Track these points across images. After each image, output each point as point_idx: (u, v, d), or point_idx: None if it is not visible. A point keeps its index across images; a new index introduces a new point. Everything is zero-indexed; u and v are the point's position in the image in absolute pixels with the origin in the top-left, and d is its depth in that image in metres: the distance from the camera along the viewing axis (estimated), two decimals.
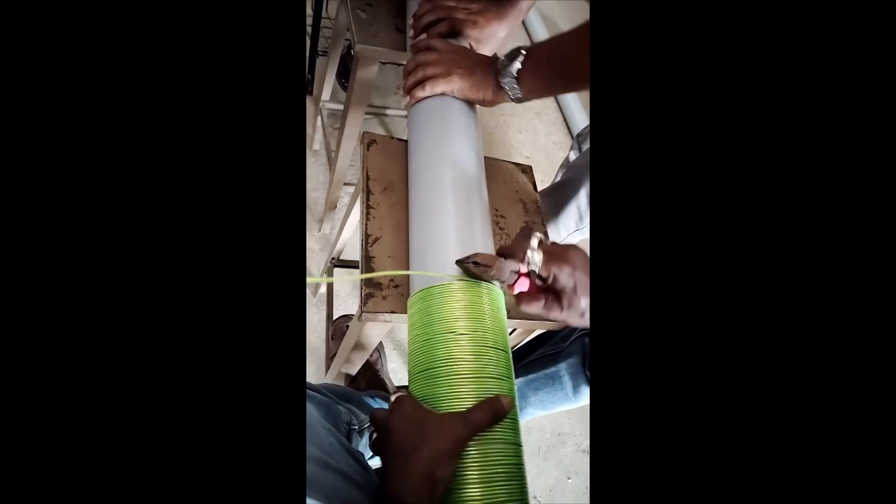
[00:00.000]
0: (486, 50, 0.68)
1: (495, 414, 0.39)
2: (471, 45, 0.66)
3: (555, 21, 2.24)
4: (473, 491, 0.37)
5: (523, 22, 2.10)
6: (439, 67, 0.58)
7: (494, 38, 0.68)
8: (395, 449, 0.36)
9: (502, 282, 0.45)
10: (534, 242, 0.43)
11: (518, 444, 0.41)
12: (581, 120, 1.78)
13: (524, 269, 0.43)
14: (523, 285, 0.44)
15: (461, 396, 0.41)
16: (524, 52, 0.54)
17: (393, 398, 0.41)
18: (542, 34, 2.02)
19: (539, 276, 0.43)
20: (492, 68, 0.57)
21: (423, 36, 0.67)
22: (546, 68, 0.54)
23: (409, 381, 0.46)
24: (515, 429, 0.41)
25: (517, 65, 0.54)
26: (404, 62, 0.76)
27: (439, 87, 0.58)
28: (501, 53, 0.59)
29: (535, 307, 0.44)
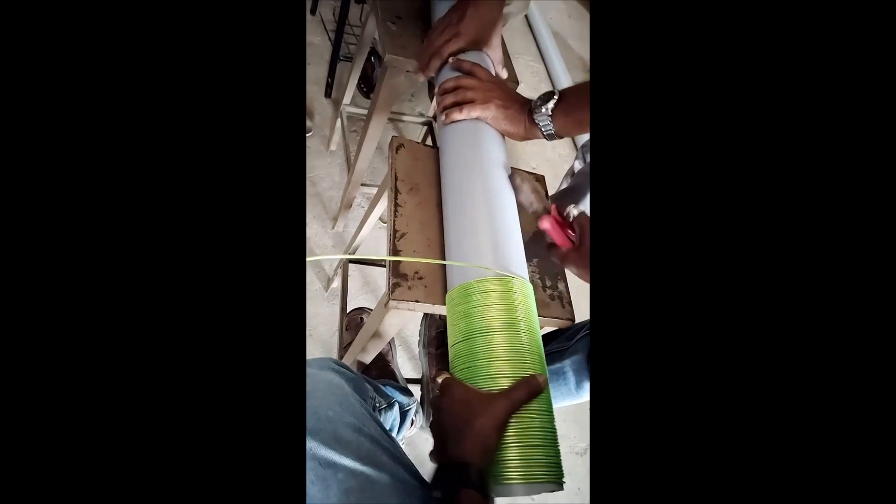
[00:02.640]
0: (493, 33, 0.72)
1: (532, 391, 0.44)
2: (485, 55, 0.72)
3: (564, 38, 2.31)
4: (513, 452, 0.43)
5: (535, 38, 2.17)
6: (479, 94, 0.63)
7: (493, 26, 0.72)
8: (451, 424, 0.43)
9: (532, 210, 0.59)
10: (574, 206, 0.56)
11: (550, 413, 0.47)
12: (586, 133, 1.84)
13: (556, 220, 0.56)
14: (547, 223, 0.56)
15: (499, 376, 0.47)
16: (557, 94, 0.60)
17: (440, 380, 0.48)
18: (551, 49, 2.08)
19: (567, 222, 0.56)
20: (526, 106, 0.63)
21: (456, 57, 0.70)
22: (577, 110, 0.59)
23: (452, 362, 0.51)
24: (549, 403, 0.47)
25: (551, 105, 0.60)
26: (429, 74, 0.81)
27: (475, 112, 0.63)
28: (533, 90, 0.65)
29: (560, 256, 0.56)
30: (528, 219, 0.73)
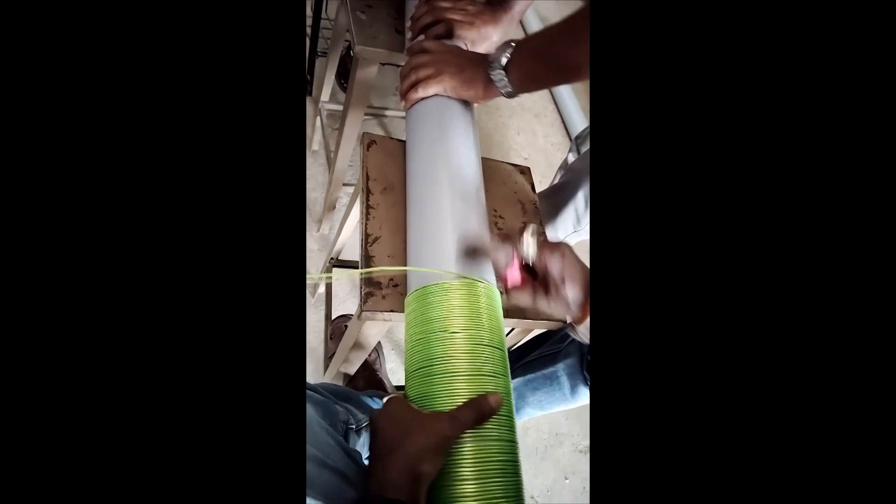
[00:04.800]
0: (480, 51, 0.69)
1: (481, 412, 0.39)
2: (466, 46, 0.67)
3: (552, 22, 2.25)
4: (468, 487, 0.37)
5: (522, 24, 2.11)
6: (431, 69, 0.59)
7: (488, 40, 0.69)
8: (380, 447, 0.37)
9: (497, 269, 0.47)
10: (528, 234, 0.45)
11: (513, 441, 0.41)
12: (580, 122, 1.79)
13: (516, 259, 0.45)
14: (514, 277, 0.46)
15: (456, 395, 0.41)
16: (513, 44, 0.54)
17: (385, 399, 0.41)
18: None
19: (530, 267, 0.45)
20: (482, 64, 0.57)
21: (421, 37, 0.68)
22: (533, 61, 0.54)
23: (406, 379, 0.46)
24: (511, 426, 0.42)
25: (505, 58, 0.54)
26: (402, 63, 0.76)
27: (431, 88, 0.58)
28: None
29: (524, 298, 0.46)
30: (514, 218, 0.68)
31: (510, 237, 0.46)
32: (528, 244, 0.45)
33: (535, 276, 0.46)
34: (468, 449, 0.38)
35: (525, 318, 0.60)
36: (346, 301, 1.13)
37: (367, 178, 0.63)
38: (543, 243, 0.45)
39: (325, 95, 1.19)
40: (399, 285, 0.55)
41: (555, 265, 0.44)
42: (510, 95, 0.57)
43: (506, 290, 0.47)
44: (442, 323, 0.44)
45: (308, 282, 1.10)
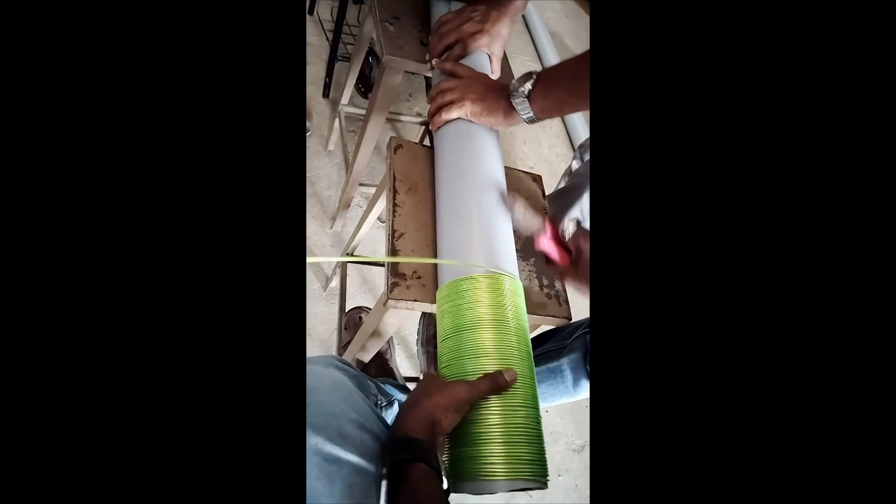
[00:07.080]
0: (496, 47, 0.74)
1: (496, 384, 0.45)
2: (489, 57, 0.74)
3: (561, 37, 2.32)
4: (497, 448, 0.44)
5: (532, 38, 2.17)
6: (455, 94, 0.63)
7: (500, 37, 0.74)
8: (406, 403, 0.44)
9: (529, 232, 0.58)
10: (569, 219, 0.54)
11: (536, 410, 0.48)
12: (583, 132, 1.85)
13: (554, 238, 0.55)
14: (544, 244, 0.56)
15: (483, 372, 0.47)
16: (534, 75, 0.59)
17: (422, 376, 0.48)
18: (548, 49, 2.09)
19: (565, 246, 0.55)
20: (503, 92, 0.61)
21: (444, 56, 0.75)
22: (556, 89, 0.58)
23: (439, 359, 0.52)
24: (534, 398, 0.48)
25: (528, 86, 0.58)
26: (426, 73, 0.82)
27: (453, 112, 0.63)
28: (514, 71, 0.65)
29: (555, 271, 0.56)
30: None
31: (554, 216, 0.55)
32: (569, 224, 0.54)
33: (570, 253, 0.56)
34: (498, 416, 0.45)
35: (536, 314, 0.65)
36: (357, 296, 1.18)
37: (394, 179, 0.68)
38: (582, 230, 0.53)
39: (345, 99, 1.24)
40: (422, 277, 0.60)
41: (586, 249, 0.52)
42: (531, 121, 0.62)
43: (546, 263, 0.58)
44: (472, 312, 0.50)
45: (341, 260, 1.14)
